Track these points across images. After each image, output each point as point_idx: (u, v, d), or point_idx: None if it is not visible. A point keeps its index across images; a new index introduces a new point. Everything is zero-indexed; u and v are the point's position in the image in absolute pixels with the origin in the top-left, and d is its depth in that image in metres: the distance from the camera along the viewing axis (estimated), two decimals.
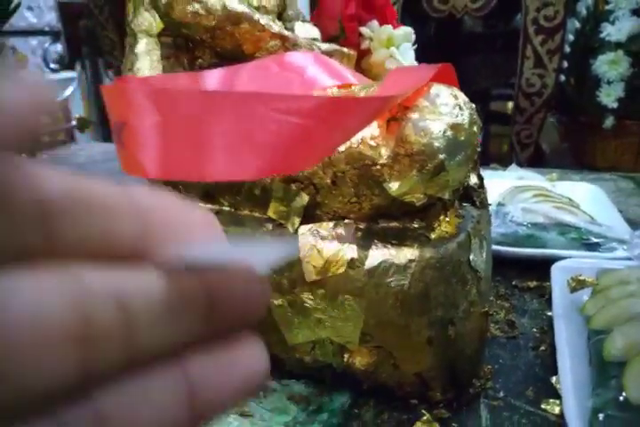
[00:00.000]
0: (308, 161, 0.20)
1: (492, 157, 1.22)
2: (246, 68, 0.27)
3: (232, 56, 0.33)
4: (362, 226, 0.27)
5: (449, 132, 0.23)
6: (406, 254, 0.24)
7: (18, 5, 0.87)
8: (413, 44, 0.38)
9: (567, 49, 0.83)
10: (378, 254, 0.25)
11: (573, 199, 0.47)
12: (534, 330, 0.32)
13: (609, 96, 0.78)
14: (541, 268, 0.38)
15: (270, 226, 0.28)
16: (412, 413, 0.26)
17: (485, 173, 0.33)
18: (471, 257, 0.26)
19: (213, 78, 0.26)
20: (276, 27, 0.32)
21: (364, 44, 0.41)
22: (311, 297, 0.27)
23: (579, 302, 0.32)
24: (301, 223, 0.27)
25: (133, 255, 0.08)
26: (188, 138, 0.18)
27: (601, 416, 0.23)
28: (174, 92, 0.18)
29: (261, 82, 0.27)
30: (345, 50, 0.36)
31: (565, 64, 0.83)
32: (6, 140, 0.06)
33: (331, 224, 0.27)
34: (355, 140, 0.24)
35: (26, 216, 0.07)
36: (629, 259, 0.37)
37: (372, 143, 0.24)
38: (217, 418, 0.09)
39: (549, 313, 0.34)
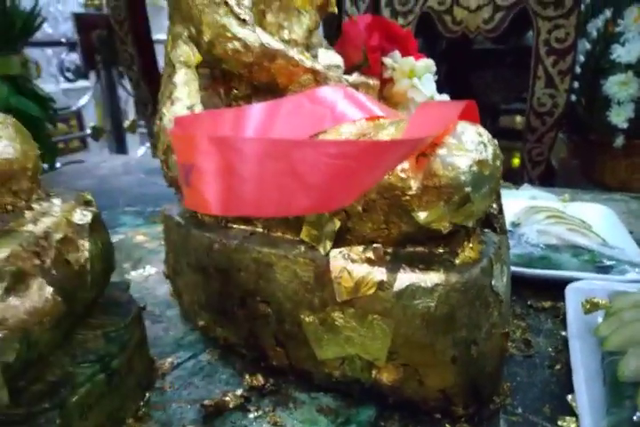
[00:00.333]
0: (349, 198, 0.22)
1: (502, 171, 1.23)
2: (282, 104, 0.29)
3: (266, 88, 0.35)
4: (389, 250, 0.29)
5: (474, 168, 0.25)
6: (433, 278, 0.26)
7: (43, 21, 0.91)
8: (434, 75, 0.40)
9: (578, 70, 0.85)
10: (406, 278, 0.27)
11: (586, 221, 0.49)
12: (549, 349, 0.34)
13: (619, 116, 0.80)
14: (555, 288, 0.39)
15: (303, 248, 0.30)
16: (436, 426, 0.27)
17: None
18: (493, 282, 0.28)
19: (255, 115, 0.28)
20: (309, 62, 0.34)
21: (387, 74, 0.43)
22: (341, 316, 0.28)
23: (592, 323, 0.33)
24: (332, 247, 0.29)
25: None
26: (247, 179, 0.20)
27: None
28: (236, 140, 0.21)
29: (296, 117, 0.29)
30: (370, 82, 0.38)
31: (576, 84, 0.85)
32: None
33: (360, 248, 0.29)
34: None
35: None
36: None
37: (403, 175, 0.26)
38: None
39: (564, 333, 0.35)
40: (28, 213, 0.27)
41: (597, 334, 0.32)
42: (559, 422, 0.27)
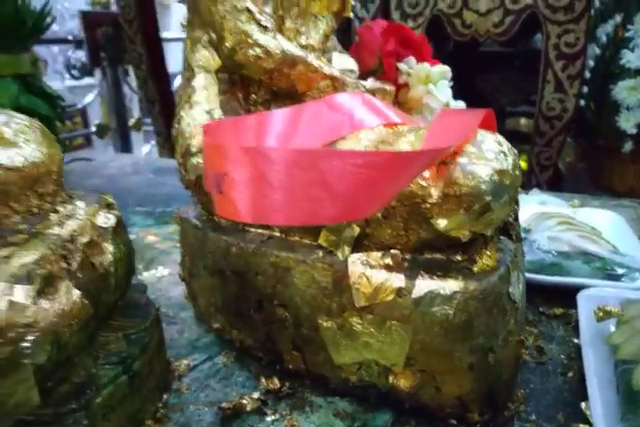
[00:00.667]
0: (373, 207, 0.23)
1: None
2: (303, 111, 0.30)
3: (285, 93, 0.36)
4: (407, 257, 0.29)
5: (495, 177, 0.26)
6: (451, 286, 0.27)
7: (53, 20, 0.91)
8: (450, 81, 0.41)
9: (587, 74, 0.85)
10: (424, 285, 0.27)
11: (596, 227, 0.49)
12: (562, 356, 0.34)
13: (628, 122, 0.80)
14: (566, 295, 0.40)
15: (321, 253, 0.31)
16: None
17: None
18: (510, 289, 0.28)
19: (277, 122, 0.28)
20: (327, 68, 0.35)
21: (401, 79, 0.43)
22: (360, 321, 0.29)
23: (605, 331, 0.34)
24: (350, 252, 0.30)
25: None
26: (277, 189, 0.21)
27: None
28: (267, 150, 0.21)
29: (316, 124, 0.30)
30: (387, 87, 0.38)
31: (585, 89, 0.85)
32: None
33: (379, 254, 0.29)
34: None
35: None
36: None
37: (424, 184, 0.26)
38: None
39: (576, 340, 0.36)
40: (53, 216, 0.27)
41: (610, 341, 0.32)
42: None
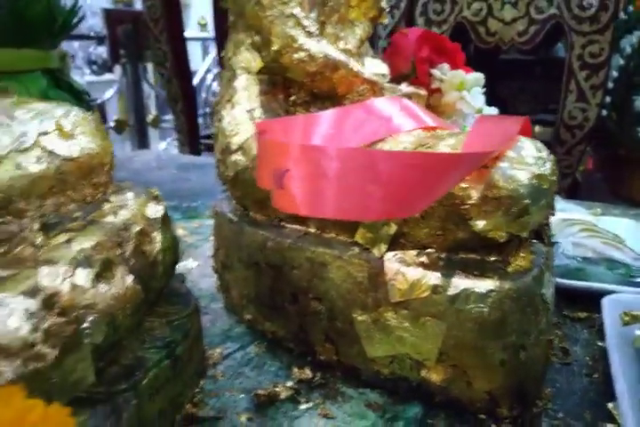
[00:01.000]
0: (421, 206, 0.24)
1: None
2: (347, 114, 0.31)
3: (324, 96, 0.37)
4: (442, 256, 0.30)
5: (534, 181, 0.27)
6: (487, 285, 0.28)
7: (83, 17, 0.93)
8: (483, 88, 0.42)
9: (610, 85, 0.86)
10: (460, 283, 0.28)
11: (618, 235, 0.50)
12: (587, 358, 0.35)
13: None
14: (589, 300, 0.41)
15: (357, 249, 0.32)
16: None
17: None
18: (542, 290, 0.29)
19: (324, 123, 0.30)
20: (367, 73, 0.36)
21: (434, 85, 0.44)
22: (394, 316, 0.30)
23: (629, 335, 0.35)
24: (387, 250, 0.31)
25: None
26: (333, 184, 0.22)
27: None
28: (327, 149, 0.22)
29: (358, 127, 0.31)
30: (422, 92, 0.39)
31: (608, 99, 0.86)
32: None
33: (414, 252, 0.30)
34: None
35: None
36: None
37: (464, 185, 0.27)
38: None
39: (600, 343, 0.37)
40: (106, 205, 0.29)
41: (636, 344, 0.33)
42: None
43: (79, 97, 0.88)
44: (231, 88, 0.39)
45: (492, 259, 0.29)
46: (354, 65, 0.36)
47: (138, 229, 0.28)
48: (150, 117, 2.23)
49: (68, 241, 0.25)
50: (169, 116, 2.19)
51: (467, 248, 0.30)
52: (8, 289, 0.21)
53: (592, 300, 0.40)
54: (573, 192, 0.94)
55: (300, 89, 0.38)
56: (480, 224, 0.28)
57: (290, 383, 0.32)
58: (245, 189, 0.37)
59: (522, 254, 0.29)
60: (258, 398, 0.31)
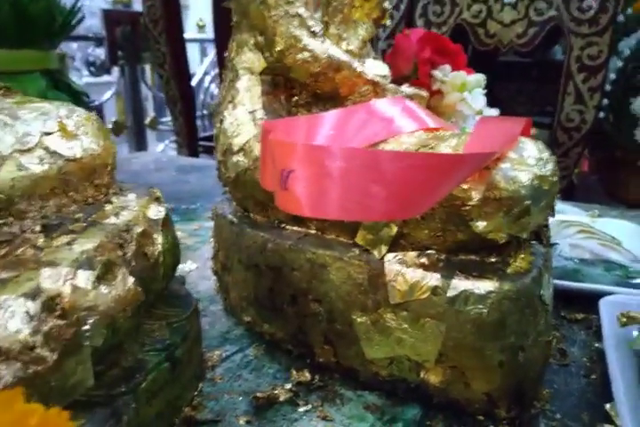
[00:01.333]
0: (424, 206, 0.24)
1: None
2: (349, 116, 0.31)
3: (327, 96, 0.37)
4: (442, 257, 0.30)
5: (535, 182, 0.27)
6: (486, 286, 0.28)
7: (82, 18, 0.93)
8: (483, 89, 0.42)
9: (608, 87, 0.86)
10: (460, 284, 0.28)
11: (615, 237, 0.50)
12: (584, 359, 0.35)
13: None
14: (586, 301, 0.41)
15: (357, 250, 0.32)
16: None
17: None
18: (541, 291, 0.29)
19: (327, 124, 0.30)
20: (370, 74, 0.36)
21: (435, 86, 0.45)
22: (394, 318, 0.30)
23: (627, 336, 0.35)
24: (387, 251, 0.31)
25: None
26: (337, 184, 0.22)
27: None
28: (333, 149, 0.22)
29: (360, 128, 0.31)
30: (423, 93, 0.40)
31: (605, 101, 0.86)
32: None
33: (415, 254, 0.30)
34: None
35: None
36: None
37: (465, 186, 0.28)
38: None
39: (597, 345, 0.37)
40: (108, 207, 0.29)
41: (633, 346, 0.33)
42: None
43: (78, 98, 0.88)
44: (233, 89, 0.39)
45: (492, 260, 0.29)
46: (357, 66, 0.36)
47: (139, 230, 0.28)
48: (148, 119, 2.23)
49: (70, 243, 0.25)
50: (167, 118, 2.19)
51: (467, 249, 0.30)
52: (9, 291, 0.21)
53: (589, 301, 0.40)
54: (569, 194, 0.94)
55: (303, 90, 0.38)
56: (481, 225, 0.28)
57: (288, 386, 0.32)
58: (246, 191, 0.37)
59: (521, 256, 0.29)
60: (257, 400, 0.31)
